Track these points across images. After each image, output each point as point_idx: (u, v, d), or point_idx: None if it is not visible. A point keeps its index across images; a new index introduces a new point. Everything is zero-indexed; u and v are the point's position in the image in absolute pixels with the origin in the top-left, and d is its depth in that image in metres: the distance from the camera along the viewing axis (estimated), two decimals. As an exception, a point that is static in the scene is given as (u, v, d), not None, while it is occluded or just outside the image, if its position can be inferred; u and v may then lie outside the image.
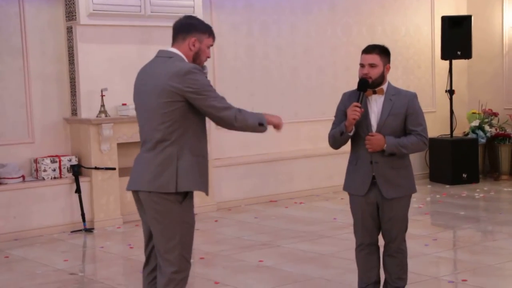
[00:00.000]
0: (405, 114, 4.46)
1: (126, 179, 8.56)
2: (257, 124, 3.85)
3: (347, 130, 4.42)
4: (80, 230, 7.71)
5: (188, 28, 3.89)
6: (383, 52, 4.51)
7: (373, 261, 4.67)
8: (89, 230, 7.71)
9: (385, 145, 4.37)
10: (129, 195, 8.20)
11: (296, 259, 6.26)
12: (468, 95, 11.29)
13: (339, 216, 7.95)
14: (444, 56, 10.28)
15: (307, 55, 9.95)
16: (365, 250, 4.65)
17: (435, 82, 11.11)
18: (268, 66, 9.59)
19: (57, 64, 8.10)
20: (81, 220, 7.74)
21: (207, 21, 8.77)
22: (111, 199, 7.99)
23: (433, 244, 6.66)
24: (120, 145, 8.13)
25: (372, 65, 4.44)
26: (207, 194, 4.08)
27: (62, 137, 8.18)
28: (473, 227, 7.48)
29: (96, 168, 7.86)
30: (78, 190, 7.73)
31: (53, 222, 7.66)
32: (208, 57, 3.95)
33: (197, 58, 3.88)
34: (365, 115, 4.43)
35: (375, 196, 4.48)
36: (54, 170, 7.81)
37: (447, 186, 9.94)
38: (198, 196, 8.55)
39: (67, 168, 7.86)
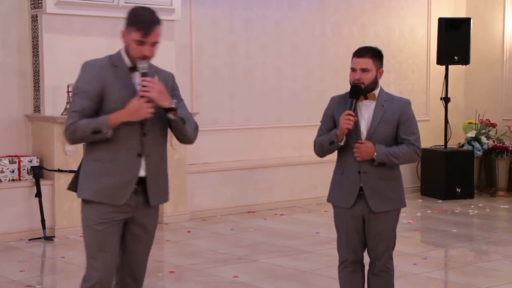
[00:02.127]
0: (397, 122, 4.45)
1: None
2: (89, 133, 3.70)
3: (338, 140, 4.40)
4: (40, 238, 7.65)
5: (125, 17, 3.82)
6: (376, 55, 4.50)
7: (357, 280, 4.65)
8: (49, 238, 7.65)
9: (375, 154, 4.36)
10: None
11: (274, 275, 6.23)
12: (465, 104, 11.33)
13: (322, 230, 7.94)
14: (440, 61, 10.31)
15: (293, 55, 9.95)
16: (349, 268, 4.64)
17: (429, 88, 11.14)
18: (250, 65, 9.58)
19: (20, 55, 8.04)
20: (41, 227, 7.67)
21: (185, 14, 8.91)
22: (75, 205, 7.91)
23: (423, 263, 6.66)
24: (86, 146, 8.08)
25: (364, 70, 4.43)
26: (106, 202, 3.82)
27: (23, 135, 8.12)
28: (466, 246, 7.49)
29: (59, 170, 7.80)
30: (38, 194, 7.67)
31: (10, 228, 7.59)
32: (143, 54, 3.77)
33: (128, 53, 3.80)
34: (356, 123, 4.42)
35: (361, 209, 4.47)
36: (13, 171, 7.75)
37: (439, 201, 9.96)
38: (169, 203, 8.57)
39: (27, 170, 7.80)
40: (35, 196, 7.67)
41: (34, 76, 8.08)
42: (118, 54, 3.84)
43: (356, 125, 4.42)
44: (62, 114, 7.85)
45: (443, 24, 10.24)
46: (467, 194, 10.11)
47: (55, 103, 7.96)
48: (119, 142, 3.73)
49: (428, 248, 7.51)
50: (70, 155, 7.89)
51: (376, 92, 4.49)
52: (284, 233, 7.99)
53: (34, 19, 8.00)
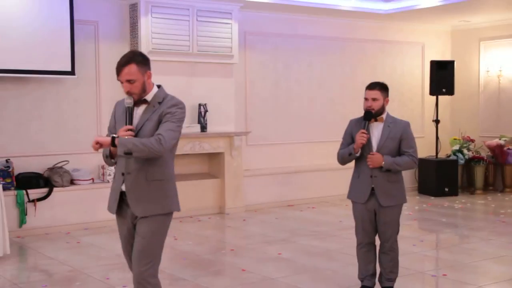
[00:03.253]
0: (400, 139, 4.46)
1: (183, 183, 8.59)
2: (104, 156, 3.44)
3: (355, 152, 4.45)
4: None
5: None
6: (383, 88, 4.53)
7: (371, 257, 4.63)
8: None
9: (383, 162, 4.37)
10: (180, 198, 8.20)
11: (308, 253, 6.21)
12: (451, 124, 11.17)
13: (344, 219, 7.88)
14: (432, 92, 10.19)
15: (321, 88, 9.92)
16: (364, 248, 4.62)
17: (424, 113, 11.02)
18: (290, 96, 9.58)
19: (123, 91, 8.12)
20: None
21: (241, 59, 8.95)
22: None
23: (420, 244, 6.57)
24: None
25: (374, 99, 4.46)
26: (109, 211, 3.54)
27: (124, 148, 8.20)
28: (452, 231, 7.38)
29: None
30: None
31: (114, 216, 7.66)
32: (125, 91, 3.37)
33: None
34: (368, 139, 4.44)
35: (373, 204, 4.46)
36: (117, 174, 7.84)
37: (432, 197, 9.82)
38: (229, 199, 8.56)
39: (127, 174, 7.88)
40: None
41: (132, 105, 8.16)
42: None
43: (368, 141, 4.44)
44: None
45: (434, 65, 10.13)
46: (453, 192, 9.95)
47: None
48: (117, 162, 3.42)
49: (424, 233, 7.41)
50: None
51: (384, 116, 4.50)
52: (316, 221, 7.95)
53: (132, 64, 8.09)
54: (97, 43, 7.94)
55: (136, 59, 3.34)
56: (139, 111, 3.37)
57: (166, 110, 3.32)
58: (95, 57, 7.93)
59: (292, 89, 9.60)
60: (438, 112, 10.24)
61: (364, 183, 4.49)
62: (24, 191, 7.06)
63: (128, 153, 3.18)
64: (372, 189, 4.44)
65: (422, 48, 11.02)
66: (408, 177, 10.31)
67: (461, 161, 10.23)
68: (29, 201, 7.07)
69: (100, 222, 7.41)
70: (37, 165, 7.51)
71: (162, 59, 8.08)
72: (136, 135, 3.29)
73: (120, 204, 3.44)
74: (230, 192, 8.53)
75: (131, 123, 3.32)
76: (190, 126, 8.15)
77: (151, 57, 8.03)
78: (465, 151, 10.32)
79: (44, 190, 7.22)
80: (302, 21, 9.60)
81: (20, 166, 7.30)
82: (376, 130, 4.49)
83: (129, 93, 3.32)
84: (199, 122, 8.30)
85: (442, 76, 10.10)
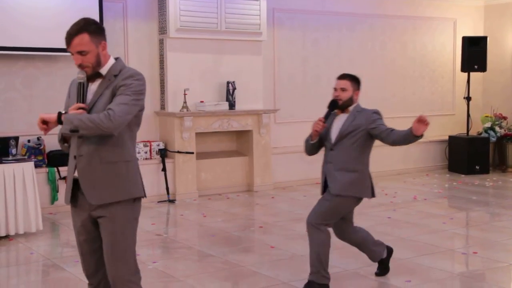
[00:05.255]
0: (366, 128, 4.18)
1: (202, 161, 8.68)
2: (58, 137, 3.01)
3: (312, 139, 4.29)
4: (165, 201, 7.79)
5: None
6: (353, 79, 4.33)
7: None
8: (172, 201, 7.78)
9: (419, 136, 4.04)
10: (204, 174, 8.27)
11: (336, 230, 6.20)
12: (482, 102, 10.99)
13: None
14: (463, 69, 10.03)
15: (350, 65, 9.80)
16: None
17: (455, 90, 10.85)
18: (318, 73, 9.51)
19: (151, 69, 8.19)
20: (166, 192, 7.82)
21: (270, 36, 8.89)
22: (189, 177, 8.05)
23: (450, 222, 6.51)
24: (197, 134, 8.19)
25: (343, 89, 4.27)
26: (66, 204, 3.03)
27: (153, 126, 8.28)
28: (483, 209, 7.29)
29: (178, 152, 7.93)
30: (164, 169, 7.81)
31: (144, 193, 7.75)
32: (76, 64, 2.92)
33: None
34: (329, 129, 4.27)
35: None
36: (146, 152, 7.91)
37: (463, 175, 9.71)
38: (257, 176, 8.58)
39: (156, 151, 7.96)
40: (162, 170, 7.82)
41: (160, 83, 8.21)
42: None
43: (328, 131, 4.26)
44: (180, 111, 7.96)
45: (466, 41, 9.96)
46: (484, 170, 9.82)
47: (175, 103, 8.08)
48: (70, 145, 2.99)
49: (454, 211, 7.33)
50: (186, 140, 8.00)
51: (351, 108, 4.29)
52: (344, 198, 7.91)
53: (161, 42, 8.13)
54: (126, 21, 7.97)
55: (88, 28, 2.86)
56: (93, 87, 2.95)
57: (121, 82, 2.90)
58: (124, 35, 7.97)
59: (321, 66, 9.52)
60: (469, 89, 10.07)
61: (322, 172, 4.35)
62: (55, 169, 7.16)
63: (74, 131, 2.78)
64: (325, 178, 4.26)
65: (454, 24, 10.82)
66: (438, 155, 10.21)
67: (493, 139, 10.08)
68: (60, 178, 7.17)
69: (130, 199, 7.49)
70: (68, 143, 7.59)
71: (190, 36, 8.08)
72: (89, 113, 2.87)
73: (75, 192, 2.98)
74: (259, 169, 8.55)
75: (84, 100, 2.90)
76: (218, 103, 8.16)
77: (179, 35, 8.17)
78: (497, 128, 10.17)
79: (75, 168, 7.30)
80: (331, -3, 9.52)
81: (52, 144, 7.39)
82: (340, 120, 4.27)
83: (81, 66, 2.88)
84: (227, 99, 8.31)
85: (474, 53, 9.92)
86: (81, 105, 2.87)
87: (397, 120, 10.34)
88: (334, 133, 4.25)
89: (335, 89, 4.30)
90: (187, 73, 8.16)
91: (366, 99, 9.79)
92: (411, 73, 10.42)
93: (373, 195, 4.35)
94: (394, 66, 10.24)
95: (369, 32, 9.96)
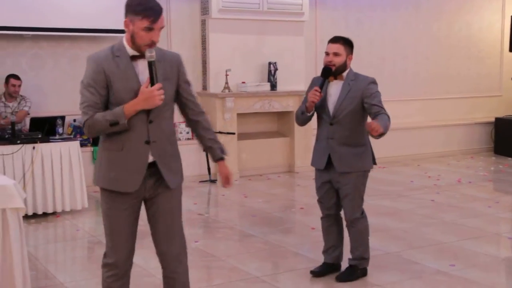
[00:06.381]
0: (362, 97, 3.93)
1: (243, 142, 8.70)
2: (108, 126, 2.81)
3: (307, 111, 4.03)
4: (206, 181, 7.85)
5: (125, 8, 2.85)
6: (347, 43, 4.04)
7: (332, 230, 4.33)
8: (213, 181, 7.83)
9: (382, 129, 3.61)
10: (245, 155, 8.28)
11: (378, 212, 6.13)
12: (531, 83, 10.70)
13: (415, 179, 7.75)
14: None
15: (394, 46, 9.68)
16: (325, 221, 4.34)
17: (502, 70, 10.57)
18: (361, 54, 9.35)
19: (193, 49, 8.21)
20: (207, 173, 7.87)
21: (312, 16, 8.81)
22: (231, 157, 8.06)
23: (495, 206, 6.37)
24: (239, 115, 8.19)
25: (336, 54, 4.00)
26: (116, 189, 2.92)
27: (195, 107, 8.30)
28: (530, 193, 7.12)
29: (220, 132, 7.95)
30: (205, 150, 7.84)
31: (186, 173, 7.74)
32: (151, 41, 2.84)
33: (134, 41, 2.86)
34: (324, 99, 4.02)
35: (332, 171, 4.08)
36: (188, 133, 7.97)
37: (509, 158, 9.46)
38: (299, 158, 8.56)
39: (198, 132, 7.99)
40: (203, 151, 7.83)
41: (202, 64, 8.23)
42: (120, 44, 2.92)
43: (324, 100, 4.01)
44: (221, 91, 7.98)
45: (515, 20, 9.67)
46: (532, 153, 9.58)
47: (217, 83, 8.09)
48: (127, 130, 2.86)
49: (500, 195, 7.17)
50: (228, 121, 8.01)
51: (345, 74, 4.04)
52: (386, 181, 7.83)
53: (203, 23, 8.13)
54: (168, 2, 7.99)
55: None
56: (141, 67, 2.88)
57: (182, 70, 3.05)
58: (166, 16, 7.99)
59: (363, 48, 9.38)
60: (517, 70, 9.80)
61: (322, 147, 4.10)
62: (100, 148, 7.27)
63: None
64: (330, 154, 4.02)
65: (503, 2, 10.51)
66: (483, 137, 9.99)
67: (541, 121, 9.80)
68: (105, 157, 7.28)
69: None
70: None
71: (233, 17, 8.06)
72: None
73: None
74: (300, 151, 8.51)
75: (156, 80, 2.84)
76: (260, 84, 8.15)
77: (221, 16, 8.15)
78: (545, 110, 9.88)
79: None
80: (374, -24, 9.35)
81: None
82: (335, 89, 4.02)
83: (153, 43, 2.85)
84: (269, 80, 8.28)
85: (523, 32, 9.64)
86: (160, 85, 2.83)
87: (441, 101, 10.17)
88: (331, 105, 4.02)
89: (327, 54, 4.02)
90: (229, 54, 8.16)
91: (411, 79, 9.69)
92: (456, 54, 10.18)
93: (374, 162, 4.17)
94: (439, 47, 10.01)
95: (413, 11, 9.77)
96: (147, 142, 2.89)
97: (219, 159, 3.16)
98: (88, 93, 2.81)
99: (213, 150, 3.16)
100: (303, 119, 4.13)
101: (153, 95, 2.80)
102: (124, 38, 2.91)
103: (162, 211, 2.99)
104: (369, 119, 3.91)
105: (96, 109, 2.81)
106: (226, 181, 3.22)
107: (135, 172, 2.90)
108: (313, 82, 4.17)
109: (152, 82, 2.83)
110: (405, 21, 9.70)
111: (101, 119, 2.79)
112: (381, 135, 3.64)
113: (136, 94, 2.82)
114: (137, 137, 2.88)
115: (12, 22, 6.93)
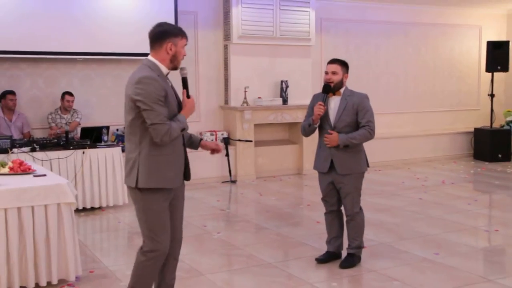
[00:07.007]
0: (356, 110, 3.99)
1: (259, 148, 8.67)
2: (180, 132, 2.91)
3: (314, 123, 4.04)
4: (228, 181, 7.84)
5: (163, 35, 2.95)
6: (343, 64, 4.10)
7: (335, 223, 4.31)
8: (233, 182, 7.83)
9: (339, 141, 3.94)
10: (261, 159, 8.28)
11: (374, 209, 6.10)
12: (505, 98, 10.57)
13: (406, 180, 7.69)
14: (488, 70, 9.66)
15: (387, 67, 9.64)
16: (329, 216, 4.31)
17: (480, 88, 10.48)
18: (358, 74, 9.35)
19: (217, 70, 8.24)
20: (228, 174, 7.87)
21: (318, 42, 8.81)
22: (248, 161, 8.08)
23: (474, 203, 6.31)
24: (256, 125, 8.20)
25: (334, 73, 4.04)
26: (172, 187, 2.98)
27: (218, 118, 8.34)
28: (504, 193, 7.02)
29: (239, 140, 7.97)
30: (227, 154, 7.85)
31: (210, 174, 7.82)
32: (185, 55, 3.01)
33: (175, 60, 2.96)
34: (326, 112, 4.04)
35: (333, 173, 4.07)
36: (212, 140, 7.97)
37: (486, 163, 9.37)
38: (307, 162, 8.52)
39: (220, 139, 8.01)
40: (225, 155, 7.86)
41: (225, 82, 8.25)
42: (153, 65, 2.94)
43: (326, 113, 4.03)
44: (241, 105, 7.99)
45: (490, 45, 9.59)
46: (506, 158, 9.45)
47: (237, 98, 8.11)
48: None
49: (478, 194, 7.10)
50: (246, 130, 8.02)
51: (342, 90, 4.08)
52: (381, 182, 7.79)
53: (226, 47, 8.16)
54: (196, 30, 8.04)
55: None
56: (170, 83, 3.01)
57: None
58: (194, 42, 8.04)
59: (361, 68, 9.37)
60: (493, 87, 9.70)
61: (324, 153, 4.08)
62: (138, 153, 7.29)
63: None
64: (332, 159, 4.03)
65: (480, 30, 10.43)
66: (464, 144, 9.90)
67: (514, 131, 9.71)
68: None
69: (197, 179, 7.56)
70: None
71: (250, 42, 8.09)
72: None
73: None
74: (307, 156, 8.49)
75: (188, 94, 3.02)
76: (273, 99, 8.16)
77: (241, 41, 8.18)
78: (518, 122, 9.78)
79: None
80: (370, 8, 9.33)
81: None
82: (334, 103, 4.03)
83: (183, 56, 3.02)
84: (281, 96, 8.29)
85: (497, 55, 9.55)
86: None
87: (428, 114, 10.10)
88: (331, 116, 4.03)
89: (327, 73, 4.07)
90: (247, 73, 8.18)
91: (402, 95, 9.65)
92: (441, 74, 10.13)
93: (367, 165, 4.16)
94: (425, 68, 9.97)
95: (404, 38, 9.73)
96: (183, 144, 3.06)
97: (200, 139, 3.30)
98: (160, 106, 2.82)
99: (193, 137, 3.29)
100: (310, 131, 4.13)
101: (194, 105, 3.01)
102: (155, 60, 2.96)
103: (181, 200, 3.12)
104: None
105: (168, 119, 2.86)
106: (216, 150, 3.28)
107: (180, 169, 3.03)
108: (314, 98, 4.19)
109: (188, 94, 2.99)
110: (396, 46, 9.68)
111: (176, 127, 2.87)
112: (346, 146, 3.95)
113: (175, 106, 2.95)
114: (180, 141, 3.01)
115: (67, 48, 7.02)
